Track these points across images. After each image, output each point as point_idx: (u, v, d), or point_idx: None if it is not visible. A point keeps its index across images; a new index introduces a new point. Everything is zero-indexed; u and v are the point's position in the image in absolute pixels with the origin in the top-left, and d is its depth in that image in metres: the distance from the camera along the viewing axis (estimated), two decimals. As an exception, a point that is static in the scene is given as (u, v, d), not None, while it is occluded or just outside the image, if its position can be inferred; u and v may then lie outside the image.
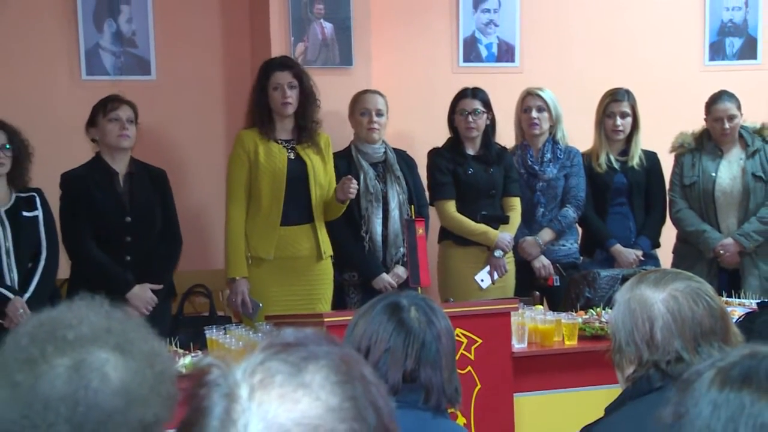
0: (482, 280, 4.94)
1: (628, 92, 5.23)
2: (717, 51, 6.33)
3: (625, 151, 5.27)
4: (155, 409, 1.42)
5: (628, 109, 5.20)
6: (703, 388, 1.15)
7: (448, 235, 5.05)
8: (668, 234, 5.44)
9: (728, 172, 5.22)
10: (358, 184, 4.77)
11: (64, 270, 4.54)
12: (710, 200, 5.23)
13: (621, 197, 5.28)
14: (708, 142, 5.27)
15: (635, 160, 5.23)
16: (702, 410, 1.14)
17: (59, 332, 1.40)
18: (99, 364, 1.38)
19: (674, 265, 5.27)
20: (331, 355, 0.99)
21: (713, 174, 5.21)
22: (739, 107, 5.19)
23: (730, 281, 4.99)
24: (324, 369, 0.97)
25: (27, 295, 4.22)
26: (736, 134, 5.23)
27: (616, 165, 5.24)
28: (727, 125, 5.14)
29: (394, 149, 5.00)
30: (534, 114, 5.10)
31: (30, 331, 1.42)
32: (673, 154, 5.37)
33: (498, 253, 4.94)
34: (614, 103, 5.21)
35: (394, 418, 1.00)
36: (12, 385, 1.38)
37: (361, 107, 4.89)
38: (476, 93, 5.02)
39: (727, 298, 4.38)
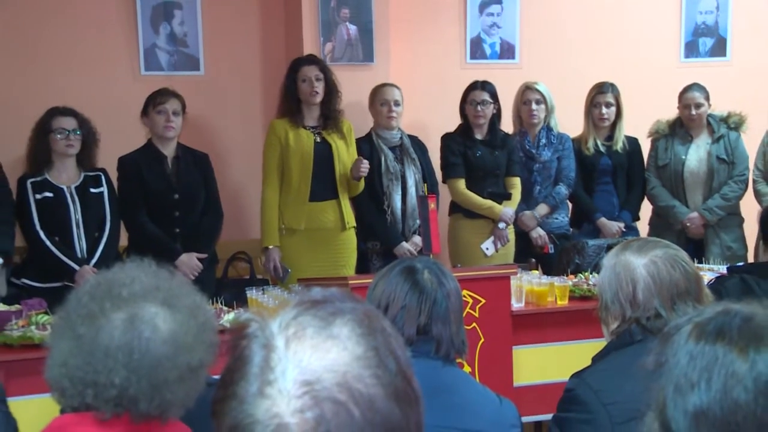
0: (487, 249, 4.94)
1: (612, 85, 5.21)
2: (691, 49, 6.33)
3: (610, 137, 5.25)
4: (200, 354, 1.42)
5: (612, 100, 5.18)
6: (682, 340, 1.14)
7: (457, 209, 5.04)
8: (647, 208, 5.42)
9: (696, 155, 5.21)
10: (380, 166, 4.78)
11: (124, 239, 4.55)
12: (680, 179, 5.23)
13: (606, 177, 5.27)
14: (680, 129, 5.27)
15: (619, 145, 5.23)
16: (680, 360, 1.13)
17: (115, 290, 1.40)
18: (150, 317, 1.38)
19: (649, 235, 5.29)
20: (356, 310, 0.99)
21: (683, 157, 5.21)
22: (707, 98, 5.19)
23: (695, 250, 4.99)
24: (349, 323, 0.96)
25: (94, 261, 4.24)
26: (703, 121, 5.21)
27: (602, 149, 5.23)
28: (694, 112, 5.16)
29: (408, 135, 4.99)
30: (533, 106, 5.10)
31: (90, 290, 1.43)
32: (650, 139, 5.36)
33: (502, 225, 4.94)
34: (600, 95, 5.19)
35: (410, 365, 0.99)
36: (76, 337, 1.38)
37: (380, 98, 4.88)
38: (485, 86, 5.01)
39: (698, 264, 4.36)
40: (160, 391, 1.37)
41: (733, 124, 5.22)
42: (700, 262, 4.58)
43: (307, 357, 0.92)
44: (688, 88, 5.22)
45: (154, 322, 1.38)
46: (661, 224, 5.29)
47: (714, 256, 4.90)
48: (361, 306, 1.00)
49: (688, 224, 5.15)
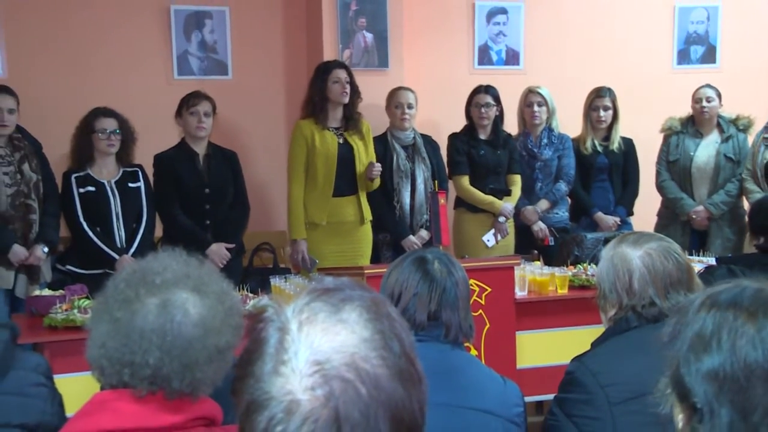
0: (488, 240, 4.93)
1: (609, 90, 5.19)
2: (683, 57, 6.30)
3: (607, 137, 5.24)
4: (227, 337, 1.42)
5: (609, 104, 5.16)
6: (695, 310, 1.13)
7: (461, 203, 5.03)
8: (640, 205, 5.38)
9: (705, 152, 5.19)
10: (391, 164, 4.77)
11: (159, 230, 4.56)
12: (688, 174, 5.21)
13: (603, 174, 5.25)
14: (691, 127, 5.25)
15: (615, 145, 5.20)
16: (693, 326, 1.11)
17: (149, 278, 1.41)
18: (181, 302, 1.39)
19: (658, 225, 5.30)
20: (363, 297, 0.99)
21: (692, 153, 5.19)
22: (718, 95, 5.19)
23: (699, 241, 4.97)
24: (358, 308, 0.97)
25: (132, 250, 4.25)
26: (714, 118, 5.20)
27: (599, 149, 5.21)
28: (705, 104, 5.14)
29: (422, 135, 4.96)
30: (535, 108, 5.08)
31: (125, 277, 1.43)
32: (645, 136, 5.33)
33: (502, 218, 4.93)
34: (599, 99, 5.17)
35: (414, 348, 0.99)
36: (114, 321, 1.38)
37: (395, 101, 4.86)
38: (488, 89, 5.00)
39: (689, 256, 4.34)
40: (191, 370, 1.37)
41: (741, 126, 5.21)
42: (704, 252, 4.56)
43: (318, 339, 0.92)
44: (700, 87, 5.23)
45: (184, 307, 1.38)
46: (669, 215, 5.27)
47: (715, 248, 4.90)
48: (368, 293, 1.00)
49: (693, 216, 5.13)
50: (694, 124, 5.24)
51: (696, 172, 5.18)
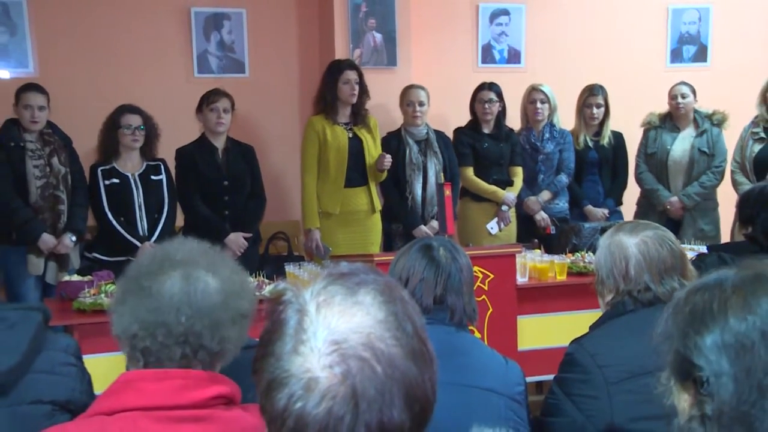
0: (492, 228, 4.93)
1: (602, 87, 5.17)
2: (676, 56, 6.28)
3: (598, 133, 5.22)
4: (246, 303, 1.45)
5: (602, 101, 5.14)
6: (683, 299, 1.11)
7: (466, 193, 5.01)
8: (629, 196, 5.37)
9: (680, 146, 5.17)
10: (404, 158, 4.76)
11: (180, 220, 4.57)
12: (664, 167, 5.19)
13: (594, 168, 5.23)
14: (669, 122, 5.22)
15: (605, 140, 5.19)
16: (685, 308, 1.09)
17: (170, 255, 1.43)
18: (200, 276, 1.41)
19: (636, 213, 5.30)
20: (377, 281, 0.99)
21: (669, 147, 5.17)
22: (693, 92, 5.16)
23: (673, 230, 4.91)
24: (372, 291, 0.97)
25: (153, 238, 4.26)
26: (690, 113, 5.17)
27: (590, 143, 5.19)
28: (680, 101, 5.12)
29: (435, 130, 4.92)
30: (538, 105, 5.06)
31: (148, 256, 1.46)
32: (640, 131, 5.32)
33: (504, 207, 4.93)
34: (592, 97, 5.15)
35: (425, 329, 0.99)
36: (142, 290, 1.41)
37: (407, 99, 4.84)
38: (492, 86, 4.98)
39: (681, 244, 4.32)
40: (219, 328, 1.39)
41: (716, 120, 5.17)
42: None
43: (335, 320, 0.92)
44: (676, 84, 5.21)
45: (204, 279, 1.41)
46: (647, 204, 5.26)
47: (688, 236, 4.87)
48: (382, 278, 1.00)
49: (668, 207, 5.12)
50: (672, 119, 5.22)
51: (672, 164, 5.16)
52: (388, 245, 4.79)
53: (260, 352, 0.97)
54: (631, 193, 5.38)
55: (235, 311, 1.41)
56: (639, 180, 5.28)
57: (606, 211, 5.13)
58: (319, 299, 0.95)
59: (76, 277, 3.73)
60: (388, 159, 4.60)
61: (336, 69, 4.66)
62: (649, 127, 5.27)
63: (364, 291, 0.96)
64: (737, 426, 0.94)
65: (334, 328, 0.92)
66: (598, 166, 5.21)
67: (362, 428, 0.88)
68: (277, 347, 0.94)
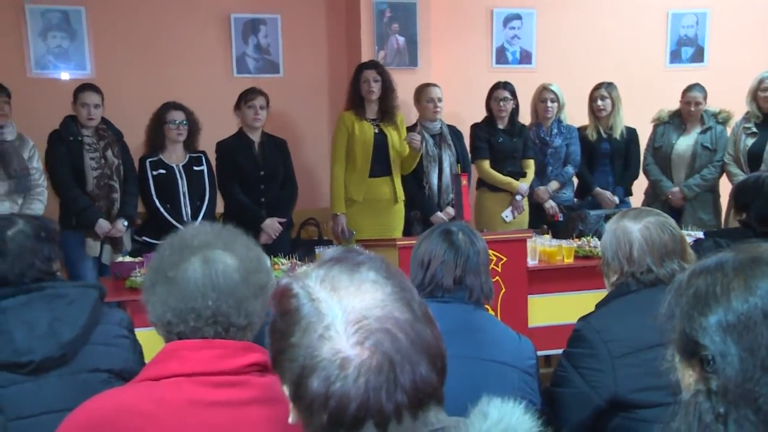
0: (506, 216, 4.90)
1: (608, 84, 5.10)
2: (675, 57, 6.20)
3: (611, 127, 5.14)
4: (264, 276, 1.44)
5: (606, 94, 5.06)
6: (685, 281, 1.07)
7: (483, 183, 4.99)
8: (639, 188, 5.31)
9: (685, 141, 5.10)
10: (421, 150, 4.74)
11: (220, 207, 4.59)
12: (668, 160, 5.12)
13: (605, 159, 5.17)
14: (677, 119, 5.15)
15: (618, 133, 5.11)
16: (688, 290, 1.04)
17: (187, 242, 1.43)
18: (218, 257, 1.40)
19: (644, 202, 5.25)
20: (372, 259, 0.98)
21: (674, 142, 5.11)
22: (705, 97, 5.07)
23: (675, 218, 4.85)
24: (372, 269, 0.96)
25: (196, 224, 4.27)
26: (699, 115, 5.10)
27: (604, 135, 5.12)
28: (693, 108, 5.04)
29: (448, 125, 4.91)
30: (548, 104, 5.02)
31: (168, 246, 1.45)
32: (642, 126, 5.24)
33: (518, 197, 4.89)
34: (596, 91, 5.09)
35: (423, 301, 0.98)
36: (169, 280, 1.40)
37: (426, 96, 4.80)
38: (506, 85, 4.93)
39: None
40: (243, 304, 1.38)
41: (721, 119, 5.10)
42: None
43: (350, 300, 0.91)
44: (691, 88, 5.08)
45: (222, 259, 1.40)
46: (652, 194, 5.23)
47: (687, 224, 4.81)
48: (373, 256, 0.99)
49: (670, 196, 5.07)
50: (680, 117, 5.14)
51: (676, 158, 5.10)
52: (407, 230, 4.78)
53: (278, 346, 0.94)
54: (641, 185, 5.33)
55: (256, 285, 1.40)
56: (646, 171, 5.24)
57: (616, 198, 5.07)
58: (327, 284, 0.93)
59: (128, 258, 3.76)
60: (417, 137, 4.55)
61: (357, 70, 4.67)
62: (658, 123, 5.21)
63: (365, 269, 0.95)
64: (742, 402, 0.93)
65: (353, 308, 0.90)
66: (610, 157, 5.15)
67: (400, 392, 0.88)
68: (298, 338, 0.91)
